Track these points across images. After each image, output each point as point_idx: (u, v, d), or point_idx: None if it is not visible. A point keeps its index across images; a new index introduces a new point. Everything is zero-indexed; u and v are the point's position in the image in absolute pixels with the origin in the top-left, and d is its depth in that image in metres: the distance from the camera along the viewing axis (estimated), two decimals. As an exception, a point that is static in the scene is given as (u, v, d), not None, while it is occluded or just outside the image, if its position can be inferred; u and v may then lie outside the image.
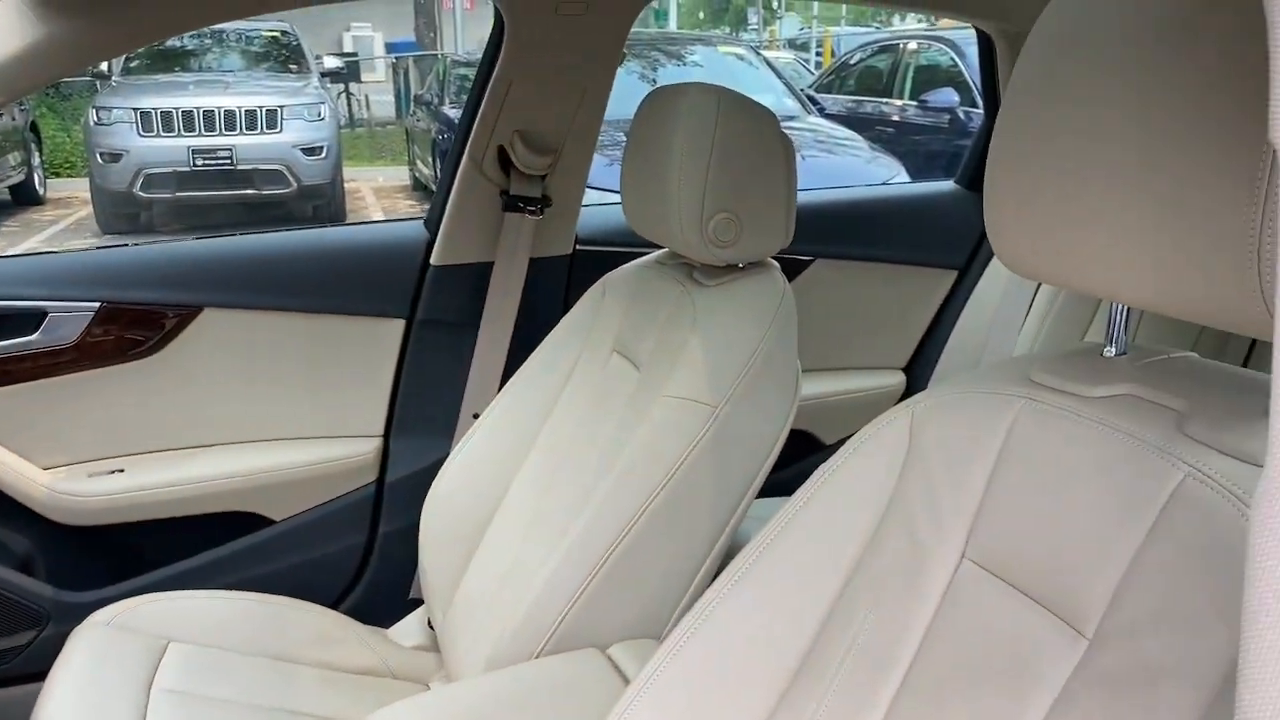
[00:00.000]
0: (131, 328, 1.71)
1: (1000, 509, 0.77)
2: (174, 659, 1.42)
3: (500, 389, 1.63)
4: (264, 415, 1.84)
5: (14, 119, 8.36)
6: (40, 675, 1.41)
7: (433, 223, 1.91)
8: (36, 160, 9.04)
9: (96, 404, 1.72)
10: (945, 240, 2.27)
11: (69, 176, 10.11)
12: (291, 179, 7.61)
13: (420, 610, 1.71)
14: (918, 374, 2.34)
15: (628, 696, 0.90)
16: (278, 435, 1.85)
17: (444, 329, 1.89)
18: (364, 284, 1.85)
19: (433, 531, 1.57)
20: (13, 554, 1.73)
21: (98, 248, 1.80)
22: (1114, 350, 0.83)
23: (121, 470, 1.74)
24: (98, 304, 1.67)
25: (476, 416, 1.69)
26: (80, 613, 1.54)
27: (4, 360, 1.64)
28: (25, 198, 8.87)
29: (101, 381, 1.71)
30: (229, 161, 7.51)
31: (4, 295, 1.65)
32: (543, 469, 1.46)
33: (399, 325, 1.87)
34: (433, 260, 1.87)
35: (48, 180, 9.50)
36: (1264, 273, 0.57)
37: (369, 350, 1.87)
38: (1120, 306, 0.83)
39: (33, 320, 1.65)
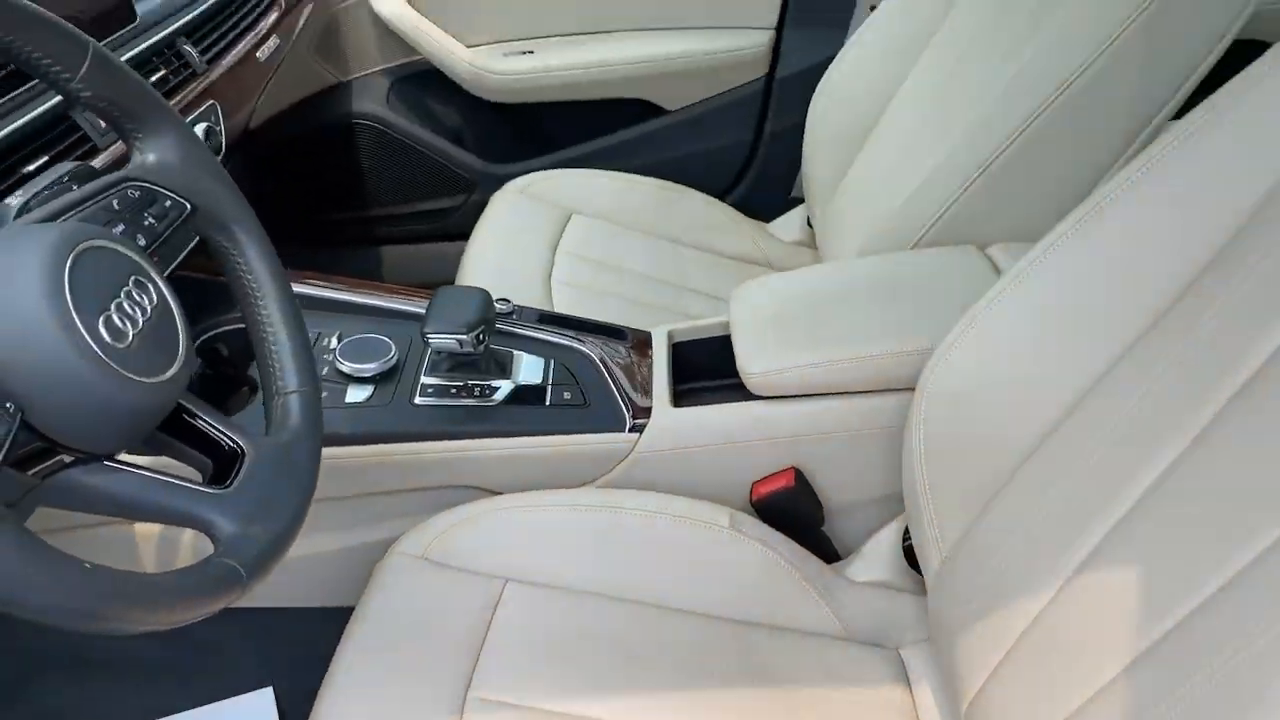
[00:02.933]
0: None
1: None
2: (576, 227, 1.56)
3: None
4: (657, 1, 1.84)
5: None
6: (465, 235, 1.61)
7: None
8: None
9: None
10: None
11: None
12: None
13: (800, 208, 1.73)
14: None
15: (998, 287, 0.85)
16: (671, 24, 1.85)
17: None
18: None
19: (820, 128, 1.54)
20: (448, 128, 1.93)
21: None
22: None
23: (531, 52, 1.85)
24: None
25: (874, 8, 1.58)
26: (497, 182, 1.71)
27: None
28: None
29: None
30: None
31: None
32: (943, 60, 1.35)
33: None
34: None
35: None
36: None
37: None
38: None
39: None
